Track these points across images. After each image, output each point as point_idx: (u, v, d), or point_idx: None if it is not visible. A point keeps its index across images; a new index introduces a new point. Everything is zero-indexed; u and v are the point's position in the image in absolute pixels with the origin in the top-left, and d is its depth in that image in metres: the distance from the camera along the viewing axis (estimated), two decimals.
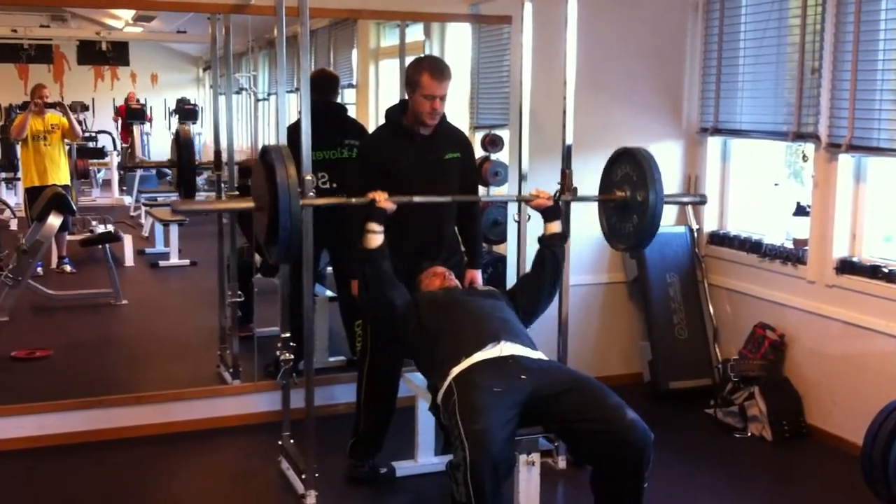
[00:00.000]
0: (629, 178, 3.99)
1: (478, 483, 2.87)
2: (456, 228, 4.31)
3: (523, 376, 3.21)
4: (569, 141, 4.30)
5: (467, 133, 5.92)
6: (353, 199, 3.77)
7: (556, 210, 3.99)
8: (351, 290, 4.19)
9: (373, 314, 3.94)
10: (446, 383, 3.25)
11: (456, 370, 3.27)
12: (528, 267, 4.43)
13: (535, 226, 4.43)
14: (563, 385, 3.22)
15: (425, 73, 3.94)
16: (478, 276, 4.29)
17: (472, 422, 2.97)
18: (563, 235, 4.01)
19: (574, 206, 4.31)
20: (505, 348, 3.34)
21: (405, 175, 4.05)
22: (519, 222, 4.48)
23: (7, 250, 7.56)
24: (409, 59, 4.84)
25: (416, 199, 3.85)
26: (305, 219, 3.72)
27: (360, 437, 4.22)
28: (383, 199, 3.69)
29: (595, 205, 4.22)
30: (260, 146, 10.77)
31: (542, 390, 3.17)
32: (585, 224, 4.48)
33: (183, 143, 5.87)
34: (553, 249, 3.92)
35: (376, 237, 3.67)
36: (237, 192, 5.41)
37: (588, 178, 4.28)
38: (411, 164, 4.05)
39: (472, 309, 3.59)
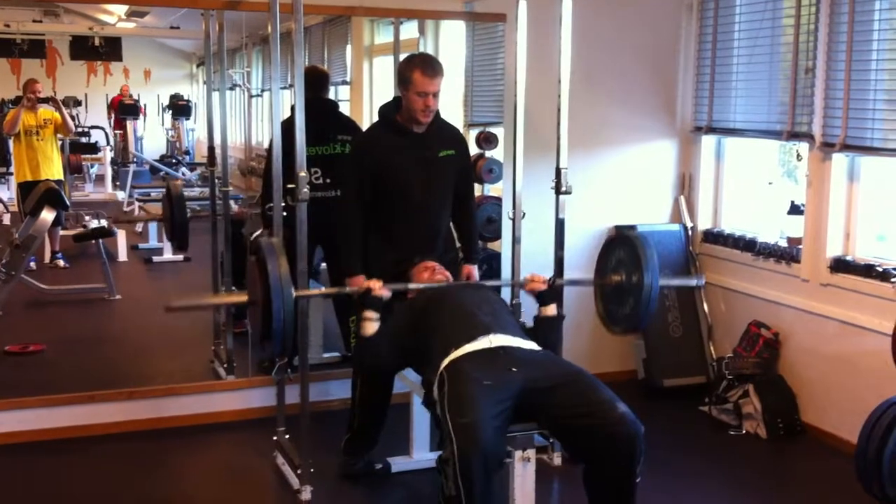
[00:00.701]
0: (623, 262, 3.95)
1: (467, 476, 2.86)
2: (451, 225, 4.31)
3: (514, 369, 3.20)
4: (563, 138, 4.30)
5: (462, 130, 5.93)
6: (348, 290, 3.79)
7: (551, 294, 3.87)
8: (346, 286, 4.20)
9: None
10: (438, 374, 3.25)
11: (446, 360, 3.26)
12: (523, 264, 4.46)
13: (532, 225, 4.47)
14: (554, 378, 3.21)
15: (417, 70, 3.95)
16: (474, 271, 4.30)
17: (460, 415, 2.96)
18: (559, 319, 3.89)
19: (570, 200, 4.31)
20: (495, 340, 3.33)
21: (399, 173, 4.06)
22: (514, 219, 4.48)
23: (0, 245, 7.54)
24: (403, 56, 4.85)
25: (411, 286, 3.80)
26: (299, 213, 3.72)
27: (355, 433, 4.21)
28: (378, 287, 3.65)
29: (591, 200, 4.21)
30: (253, 142, 10.80)
31: (533, 383, 3.16)
32: (579, 221, 4.49)
33: (175, 199, 5.84)
34: (547, 334, 3.78)
35: (372, 325, 3.62)
36: (228, 188, 5.41)
37: (584, 180, 4.28)
38: (405, 161, 4.05)
39: (463, 302, 3.59)
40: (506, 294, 4.62)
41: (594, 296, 4.09)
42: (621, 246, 3.94)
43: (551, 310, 3.85)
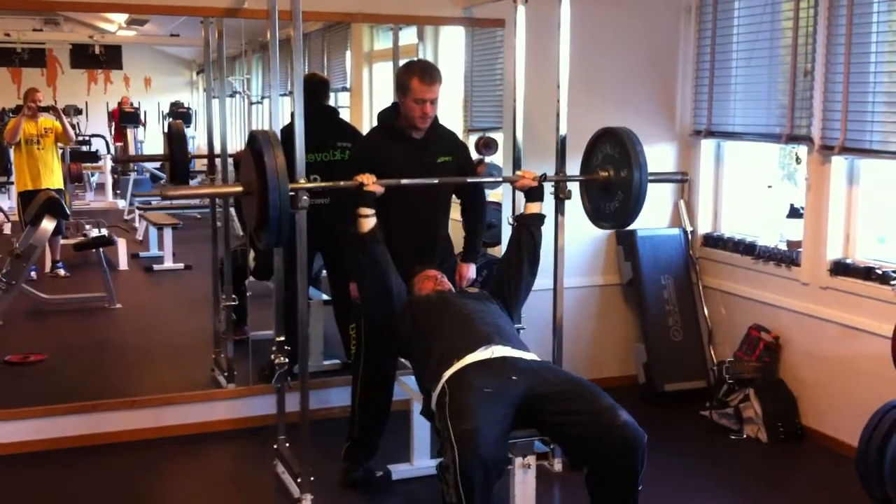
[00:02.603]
0: (611, 157, 4.01)
1: (467, 483, 2.86)
2: (448, 231, 4.30)
3: (514, 377, 3.21)
4: (562, 143, 4.30)
5: (461, 135, 5.92)
6: (342, 183, 3.78)
7: (539, 192, 4.04)
8: (345, 292, 4.20)
9: (370, 305, 3.91)
10: (439, 385, 3.26)
11: (448, 372, 3.27)
12: None
13: None
14: (555, 386, 3.22)
15: (415, 77, 3.95)
16: (470, 270, 4.28)
17: (461, 422, 2.97)
18: (542, 216, 4.04)
19: (568, 207, 4.31)
20: (497, 351, 3.35)
21: (398, 177, 4.04)
22: (513, 225, 4.47)
23: (0, 254, 7.53)
24: (402, 62, 4.84)
25: (405, 181, 3.86)
26: (298, 221, 3.73)
27: (355, 440, 4.21)
28: (371, 182, 3.70)
29: None
30: None
31: (534, 391, 3.17)
32: (579, 226, 4.48)
33: (175, 138, 5.83)
34: (531, 229, 3.96)
35: (368, 220, 3.69)
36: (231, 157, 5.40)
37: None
38: (404, 166, 4.04)
39: (464, 312, 3.59)
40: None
41: (580, 192, 4.15)
42: (608, 141, 4.00)
43: (536, 207, 4.04)
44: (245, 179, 3.65)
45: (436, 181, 4.05)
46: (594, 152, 4.14)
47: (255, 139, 3.50)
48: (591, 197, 4.20)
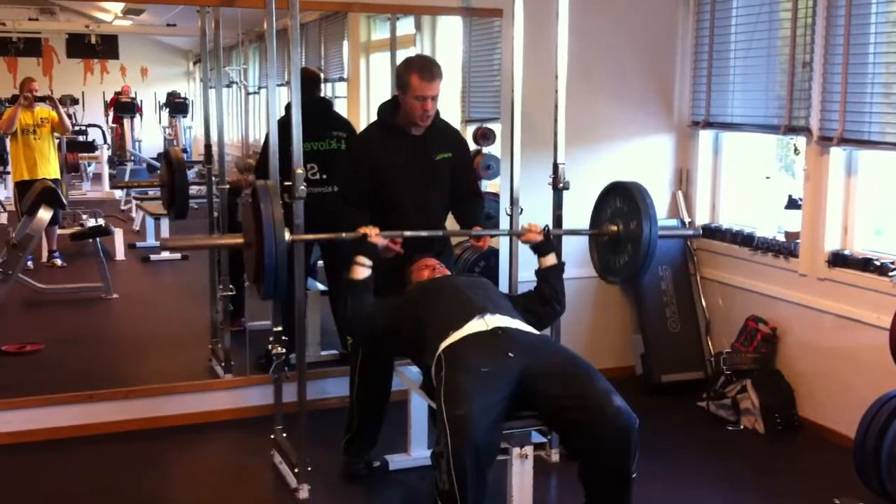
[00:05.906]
0: (620, 211, 3.96)
1: (459, 469, 2.85)
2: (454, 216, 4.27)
3: (511, 354, 3.18)
4: (560, 134, 4.29)
5: (459, 126, 5.92)
6: (344, 234, 3.74)
7: (548, 244, 3.92)
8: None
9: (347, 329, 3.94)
10: (436, 356, 3.24)
11: (444, 344, 3.25)
12: (520, 260, 4.44)
13: (528, 220, 4.44)
14: (551, 366, 3.19)
15: (415, 74, 3.91)
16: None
17: (455, 407, 2.96)
18: (560, 267, 3.93)
19: (566, 199, 4.30)
20: (491, 321, 3.32)
21: (395, 175, 4.03)
22: (511, 216, 4.47)
23: None
24: (400, 53, 4.83)
25: (407, 233, 3.82)
26: (296, 211, 3.72)
27: (354, 432, 4.20)
28: (374, 235, 3.66)
29: (589, 195, 4.21)
30: (251, 139, 10.81)
31: (530, 370, 3.14)
32: (577, 219, 4.47)
33: (175, 166, 5.78)
34: (552, 283, 3.85)
35: (364, 270, 3.64)
36: (227, 186, 5.40)
37: (582, 176, 4.28)
38: (402, 164, 4.02)
39: (456, 286, 3.60)
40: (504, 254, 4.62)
41: (589, 247, 4.12)
42: (618, 195, 3.96)
43: (551, 259, 3.91)
44: (245, 232, 3.64)
45: (440, 233, 4.04)
46: (603, 207, 4.08)
47: (255, 192, 3.50)
48: (600, 252, 4.15)
